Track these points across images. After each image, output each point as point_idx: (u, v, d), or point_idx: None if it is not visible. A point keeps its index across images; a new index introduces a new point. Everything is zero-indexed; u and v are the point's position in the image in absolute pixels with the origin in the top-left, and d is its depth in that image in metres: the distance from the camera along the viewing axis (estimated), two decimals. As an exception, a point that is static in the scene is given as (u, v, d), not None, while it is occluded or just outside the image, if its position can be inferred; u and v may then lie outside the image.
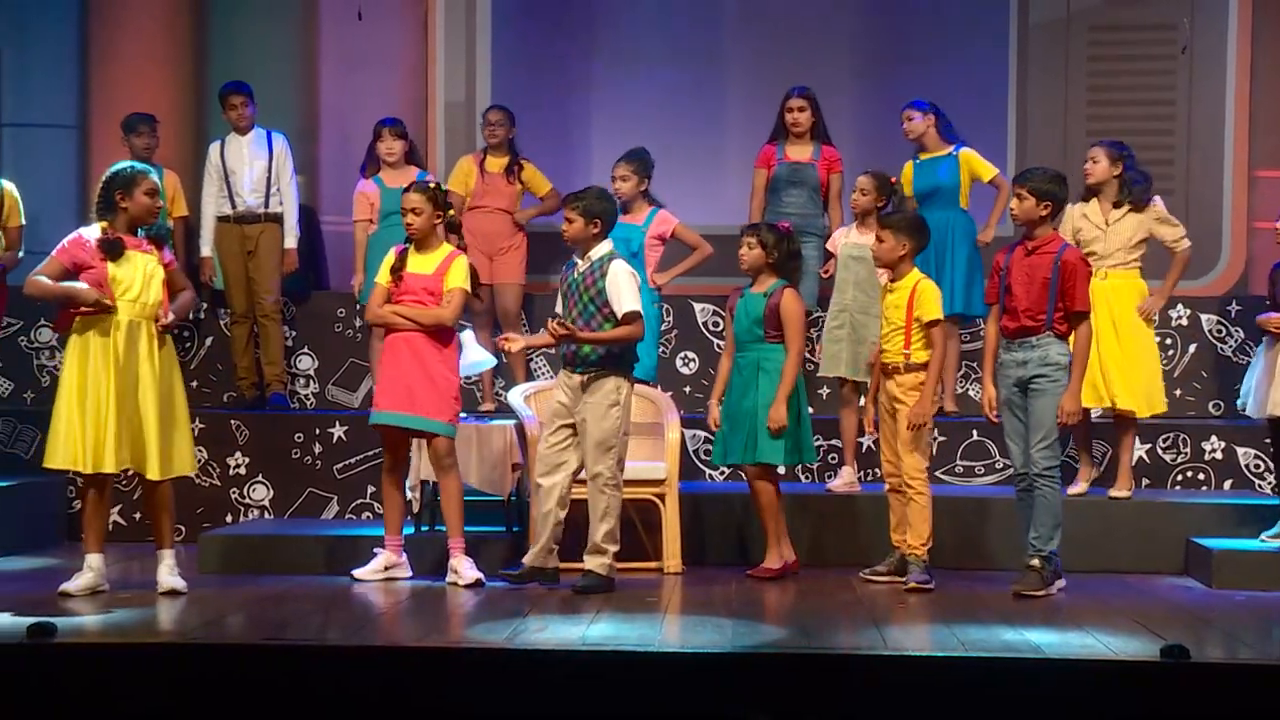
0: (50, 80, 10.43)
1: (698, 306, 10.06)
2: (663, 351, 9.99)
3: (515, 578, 7.74)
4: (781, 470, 8.23)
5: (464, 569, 7.78)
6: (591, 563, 7.70)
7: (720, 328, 9.99)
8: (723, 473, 9.28)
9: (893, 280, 7.95)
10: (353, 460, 9.26)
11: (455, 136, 10.47)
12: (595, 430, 7.65)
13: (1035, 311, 7.61)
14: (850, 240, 8.78)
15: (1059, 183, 7.75)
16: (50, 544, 9.00)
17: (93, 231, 7.48)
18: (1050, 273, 7.58)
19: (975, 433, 9.25)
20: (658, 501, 8.30)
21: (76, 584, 7.41)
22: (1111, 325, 8.61)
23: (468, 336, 8.51)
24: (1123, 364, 8.62)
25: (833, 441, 9.16)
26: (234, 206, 9.78)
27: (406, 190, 8.00)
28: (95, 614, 7.03)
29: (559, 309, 7.85)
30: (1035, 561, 7.63)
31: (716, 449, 8.18)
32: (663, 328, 9.63)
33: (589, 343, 7.68)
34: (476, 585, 7.71)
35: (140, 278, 7.41)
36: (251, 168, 9.78)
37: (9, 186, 8.97)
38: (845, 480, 8.81)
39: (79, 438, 7.34)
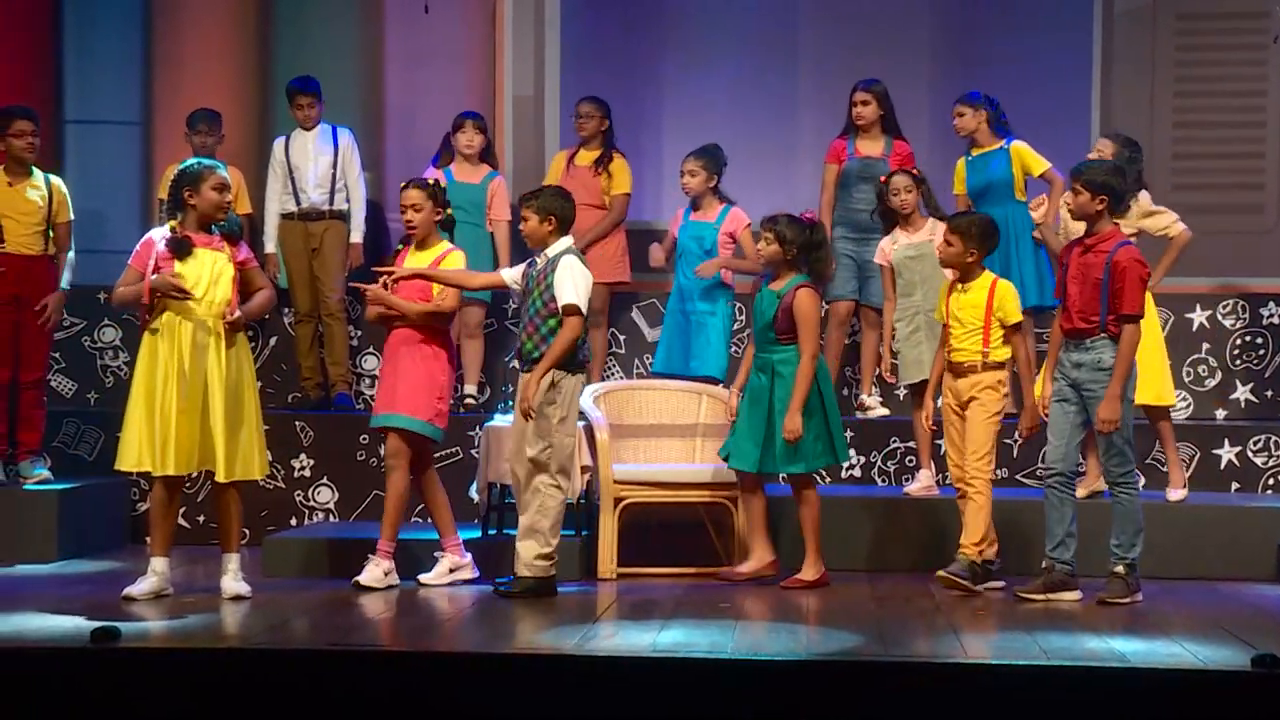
0: (114, 77, 10.50)
1: (771, 306, 9.99)
2: (734, 351, 9.96)
3: (509, 594, 7.65)
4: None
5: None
6: (519, 563, 7.61)
7: (737, 327, 9.96)
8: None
9: (963, 281, 7.88)
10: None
11: (523, 131, 10.46)
12: (531, 426, 7.62)
13: (1088, 312, 7.51)
14: (901, 244, 8.73)
15: (1117, 175, 7.63)
16: (114, 547, 9.07)
17: (161, 232, 7.53)
18: (1103, 272, 7.48)
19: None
20: (730, 505, 8.26)
21: (140, 588, 7.45)
22: None
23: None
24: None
25: (910, 444, 9.10)
26: (298, 203, 9.81)
27: (405, 187, 7.99)
28: (159, 619, 7.06)
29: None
30: (1120, 569, 7.55)
31: (726, 446, 8.07)
32: (735, 327, 9.60)
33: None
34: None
35: (207, 276, 7.44)
36: (316, 163, 9.81)
37: (58, 182, 9.04)
38: (923, 484, 8.74)
39: (147, 439, 7.39)
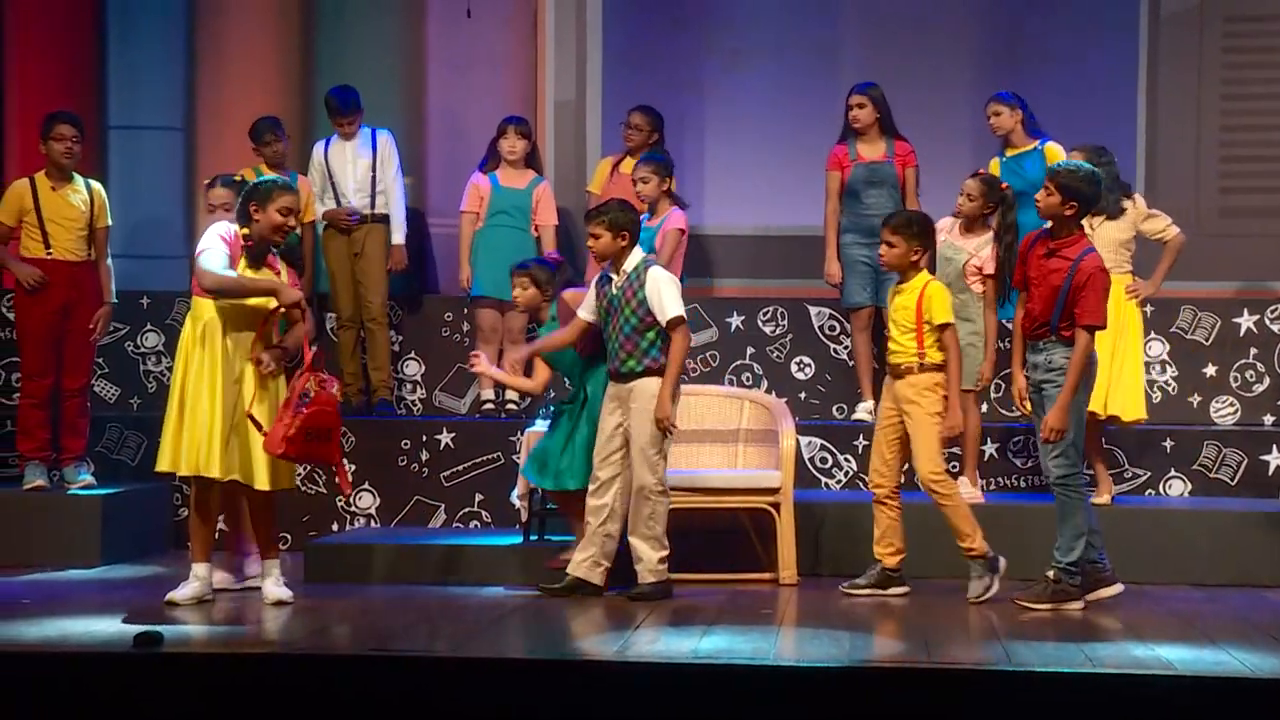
0: (156, 82, 10.56)
1: (814, 310, 10.00)
2: (777, 356, 9.96)
3: (557, 590, 7.72)
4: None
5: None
6: (641, 570, 7.68)
7: (836, 332, 9.93)
8: (839, 481, 9.22)
9: (901, 281, 7.85)
10: (461, 467, 9.30)
11: (564, 136, 10.48)
12: (639, 436, 7.63)
13: (1043, 315, 7.49)
14: (945, 240, 8.70)
15: (1090, 182, 7.52)
16: (156, 551, 9.11)
17: (224, 228, 7.52)
18: (1064, 280, 7.42)
19: (1103, 441, 9.12)
20: (772, 511, 8.26)
21: (182, 593, 7.48)
22: (1109, 332, 8.50)
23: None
24: (1111, 371, 8.52)
25: (953, 450, 9.08)
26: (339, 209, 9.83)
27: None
28: (201, 624, 7.09)
29: (584, 315, 7.84)
30: (1050, 573, 7.51)
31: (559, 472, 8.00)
32: (777, 332, 9.60)
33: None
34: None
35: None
36: (355, 167, 9.81)
37: (98, 187, 9.10)
38: (965, 491, 8.71)
39: (185, 443, 7.42)
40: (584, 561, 7.75)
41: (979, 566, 7.73)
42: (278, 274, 7.46)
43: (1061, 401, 7.42)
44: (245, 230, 7.44)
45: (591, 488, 7.75)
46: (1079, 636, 6.86)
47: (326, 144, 9.89)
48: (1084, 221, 8.47)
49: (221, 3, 10.58)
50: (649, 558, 7.68)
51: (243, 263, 7.40)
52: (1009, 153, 9.24)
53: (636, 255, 7.73)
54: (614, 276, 7.74)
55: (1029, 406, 7.68)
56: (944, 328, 7.76)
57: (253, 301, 7.39)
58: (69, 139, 8.87)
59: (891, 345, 7.89)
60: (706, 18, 10.60)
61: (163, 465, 7.49)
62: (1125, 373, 8.65)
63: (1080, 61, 10.20)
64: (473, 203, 9.82)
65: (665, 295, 7.63)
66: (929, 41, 10.37)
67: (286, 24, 10.62)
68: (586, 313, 7.84)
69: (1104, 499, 8.62)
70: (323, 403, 7.33)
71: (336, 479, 7.64)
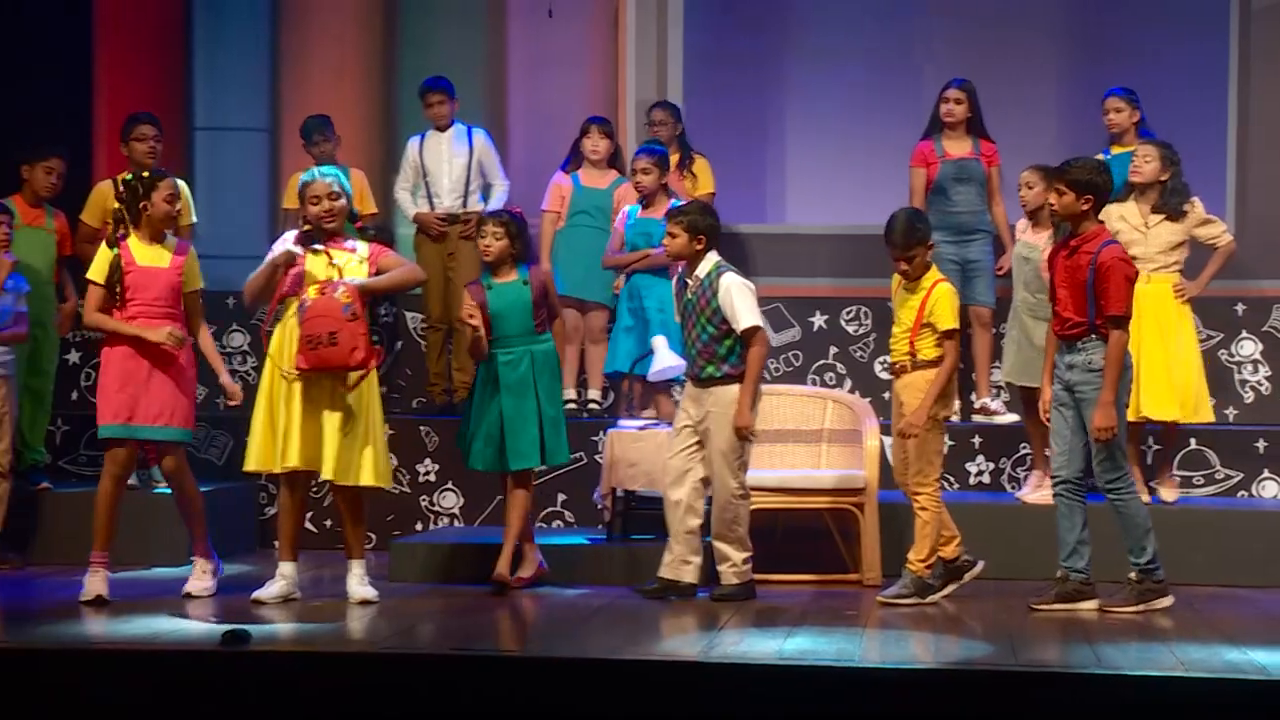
0: (242, 84, 10.65)
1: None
2: (860, 356, 9.93)
3: (649, 592, 7.71)
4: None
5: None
6: (725, 573, 7.66)
7: (862, 332, 9.89)
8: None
9: (911, 279, 7.76)
10: (543, 467, 9.31)
11: (645, 136, 10.47)
12: (719, 441, 7.60)
13: (1077, 315, 7.40)
14: (1019, 240, 8.64)
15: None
16: (244, 550, 9.18)
17: (292, 235, 7.65)
18: (1088, 274, 7.35)
19: (1193, 441, 9.05)
20: (856, 511, 8.23)
21: (269, 592, 7.54)
22: (1155, 331, 8.41)
23: (659, 342, 8.52)
24: (1165, 371, 8.41)
25: (1023, 448, 9.03)
26: (432, 207, 9.77)
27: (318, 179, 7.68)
28: (287, 622, 7.15)
29: (678, 319, 7.85)
30: (1132, 574, 7.46)
31: (485, 456, 7.97)
32: (860, 331, 9.57)
33: None
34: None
35: (324, 271, 7.51)
36: (450, 165, 9.78)
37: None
38: (1035, 486, 8.65)
39: (269, 441, 7.49)
40: (672, 562, 7.74)
41: (912, 580, 7.64)
42: (352, 253, 7.54)
43: (1105, 400, 7.33)
44: (307, 225, 7.58)
45: (668, 482, 7.73)
46: (1169, 639, 6.80)
47: (421, 139, 9.86)
48: (1141, 218, 8.44)
49: (306, 5, 10.65)
50: (733, 559, 7.66)
51: (309, 257, 7.52)
52: (1115, 150, 9.12)
53: (710, 260, 7.67)
54: (689, 281, 7.71)
55: (1048, 420, 7.61)
56: (948, 334, 7.65)
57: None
58: (150, 139, 8.95)
59: (891, 342, 7.84)
60: (788, 15, 10.57)
61: (247, 465, 7.60)
62: (1180, 374, 8.51)
63: (1166, 58, 10.07)
64: (554, 202, 9.82)
65: (739, 304, 7.58)
66: (1011, 38, 10.29)
67: (369, 25, 10.67)
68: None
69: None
70: (319, 309, 7.41)
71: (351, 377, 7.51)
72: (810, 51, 10.51)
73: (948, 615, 7.43)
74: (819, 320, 9.97)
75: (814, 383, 9.81)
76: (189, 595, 7.67)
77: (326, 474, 7.47)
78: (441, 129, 9.82)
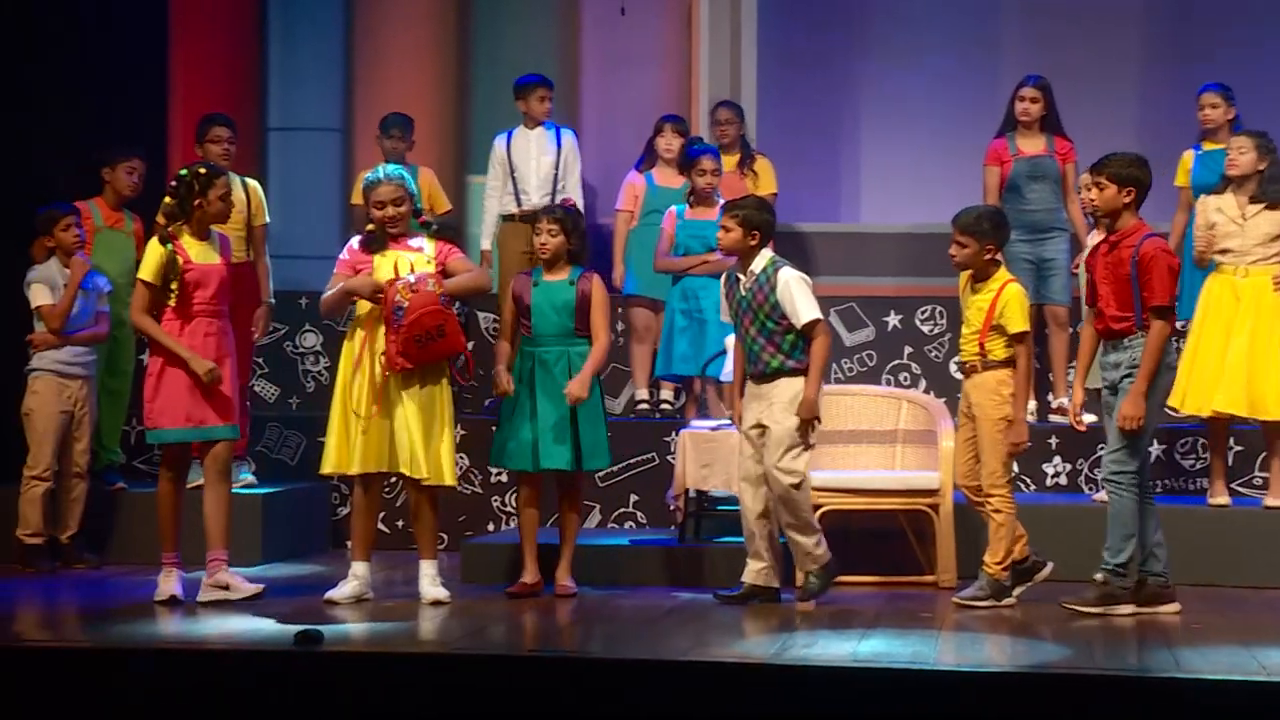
0: (315, 84, 10.71)
1: (971, 309, 9.88)
2: (935, 356, 9.86)
3: (733, 599, 7.67)
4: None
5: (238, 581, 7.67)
6: (802, 563, 7.59)
7: (937, 331, 9.83)
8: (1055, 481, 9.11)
9: (977, 280, 7.67)
10: (615, 468, 9.31)
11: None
12: (780, 433, 7.54)
13: (1122, 311, 7.31)
14: (1091, 243, 8.56)
15: (1140, 166, 7.39)
16: (316, 550, 9.23)
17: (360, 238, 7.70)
18: (1130, 268, 7.25)
19: (1234, 443, 8.93)
20: (930, 512, 8.18)
21: (342, 592, 7.57)
22: (1253, 325, 8.28)
23: (730, 341, 8.50)
24: (1261, 367, 8.29)
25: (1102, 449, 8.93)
26: (519, 205, 9.73)
27: (382, 182, 7.66)
28: (360, 622, 7.17)
29: (724, 318, 7.79)
30: (1098, 575, 7.35)
31: (524, 453, 7.80)
32: (935, 331, 9.50)
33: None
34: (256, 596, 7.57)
35: (392, 271, 7.52)
36: (539, 164, 9.77)
37: (254, 185, 9.22)
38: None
39: (344, 443, 7.52)
40: (754, 568, 7.67)
41: (989, 582, 7.57)
42: (419, 252, 7.54)
43: (1137, 389, 7.24)
44: (372, 225, 7.56)
45: (743, 488, 7.70)
46: (1250, 642, 6.71)
47: (509, 137, 9.85)
48: (1238, 210, 8.32)
49: (379, 5, 10.70)
50: (804, 543, 7.57)
51: (376, 261, 7.52)
52: (1207, 146, 9.01)
53: (765, 256, 7.60)
54: (741, 277, 7.65)
55: (1084, 423, 7.56)
56: (1019, 337, 7.57)
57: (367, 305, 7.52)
58: (225, 140, 9.00)
59: (960, 342, 7.78)
60: (863, 13, 10.53)
61: (324, 467, 7.63)
62: (1271, 368, 8.40)
63: (1256, 52, 9.94)
64: (628, 201, 9.82)
65: (799, 298, 7.51)
66: (1092, 33, 10.20)
67: (443, 24, 10.71)
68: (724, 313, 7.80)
69: (1222, 499, 8.46)
70: (420, 306, 7.39)
71: (462, 368, 7.57)
72: (886, 49, 10.48)
73: (1024, 618, 7.36)
74: (893, 320, 9.92)
75: (888, 383, 9.76)
76: (438, 603, 7.51)
77: (412, 472, 7.48)
78: (534, 126, 9.80)
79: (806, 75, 10.45)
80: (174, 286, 7.48)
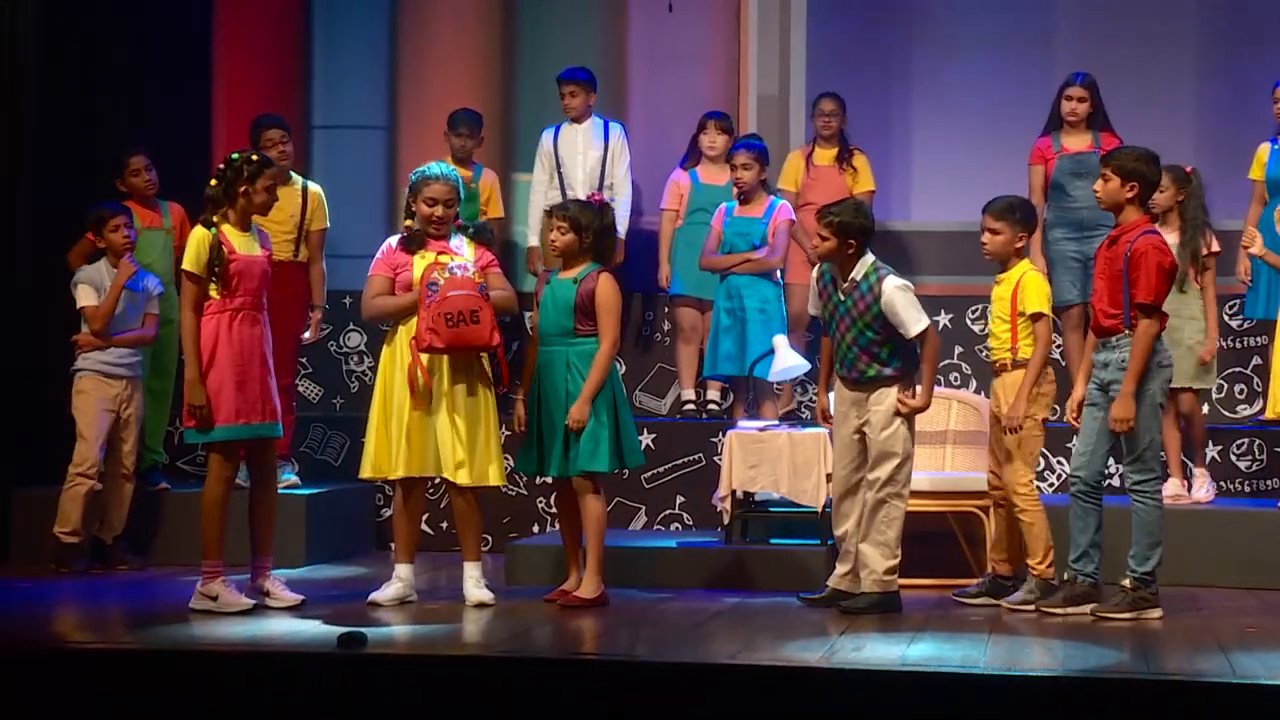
0: (360, 81, 10.74)
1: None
2: (985, 355, 9.80)
3: (816, 601, 7.67)
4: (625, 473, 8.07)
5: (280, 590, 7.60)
6: (865, 579, 7.56)
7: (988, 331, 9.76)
8: (1050, 484, 9.05)
9: (1002, 271, 7.69)
10: (661, 469, 9.31)
11: (768, 132, 10.41)
12: (880, 440, 7.52)
13: (1112, 308, 7.27)
14: None
15: (1147, 162, 7.35)
16: (360, 552, 9.27)
17: (383, 247, 7.73)
18: (1123, 264, 7.22)
19: (1260, 444, 8.87)
20: (981, 514, 8.15)
21: (385, 594, 7.60)
22: None
23: (780, 340, 8.49)
24: None
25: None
26: (564, 199, 9.76)
27: (438, 179, 7.64)
28: (403, 625, 7.20)
29: (812, 310, 7.75)
30: (1126, 582, 7.33)
31: (530, 459, 7.72)
32: (985, 331, 9.42)
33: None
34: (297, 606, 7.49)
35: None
36: (586, 158, 9.77)
37: (315, 189, 9.25)
38: (1171, 492, 8.52)
39: (384, 446, 7.55)
40: (842, 574, 7.65)
41: (1036, 584, 7.57)
42: (456, 255, 7.55)
43: (1125, 390, 7.22)
44: (409, 222, 7.61)
45: (837, 494, 7.67)
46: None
47: (555, 131, 9.85)
48: None
49: (424, 2, 10.73)
50: (875, 565, 7.52)
51: (414, 261, 7.54)
52: None
53: (866, 263, 7.52)
54: (840, 280, 7.59)
55: (1075, 422, 7.51)
56: (1036, 318, 7.60)
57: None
58: (279, 143, 9.02)
59: (990, 340, 7.76)
60: (914, 9, 10.48)
61: (363, 472, 7.65)
62: None
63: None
64: (673, 200, 9.82)
65: (905, 310, 7.43)
66: (1148, 30, 10.12)
67: (488, 22, 10.72)
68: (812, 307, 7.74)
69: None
70: (456, 285, 7.38)
71: (499, 368, 7.53)
72: (938, 45, 10.42)
73: (1076, 621, 7.32)
74: (943, 319, 9.89)
75: (938, 383, 9.70)
76: (482, 605, 7.53)
77: (452, 476, 7.51)
78: (576, 120, 9.81)
79: (857, 71, 10.39)
80: (218, 271, 7.36)
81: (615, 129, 9.85)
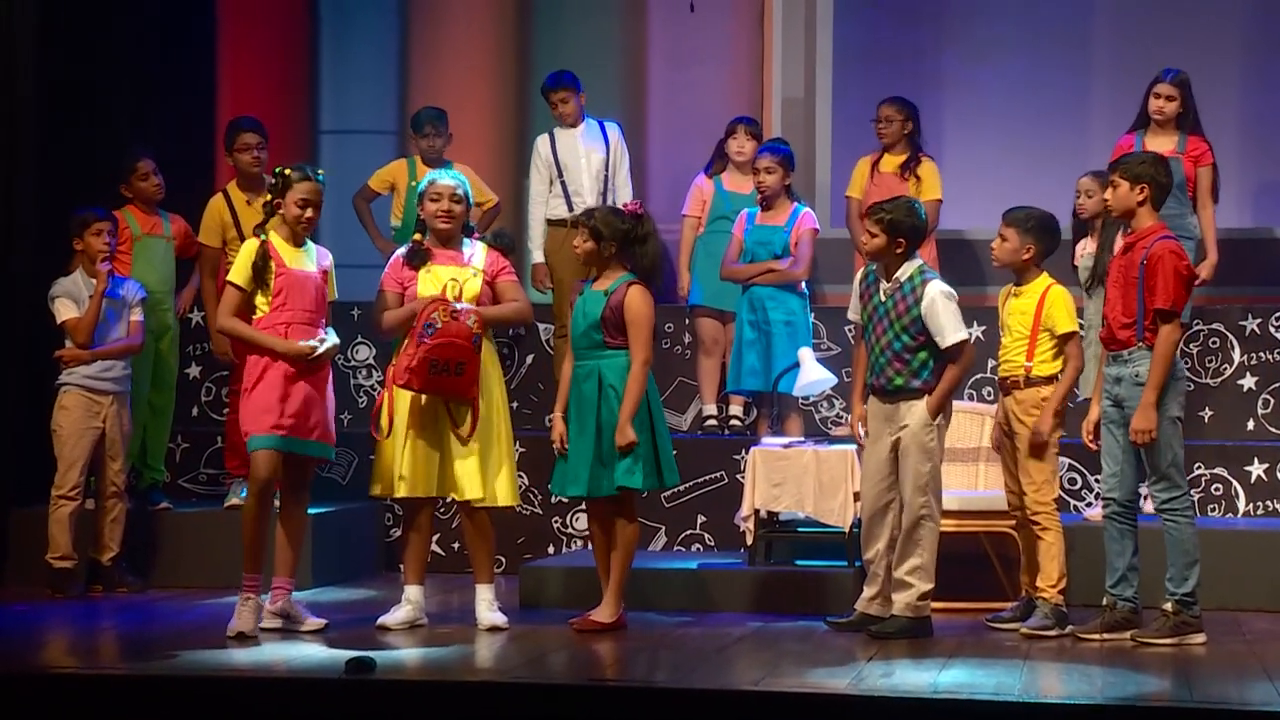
0: (369, 85, 10.77)
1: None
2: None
3: (844, 625, 7.66)
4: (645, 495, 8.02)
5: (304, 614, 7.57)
6: (898, 602, 7.54)
7: (1087, 343, 9.74)
8: (1088, 503, 9.02)
9: (1018, 283, 7.68)
10: (682, 488, 9.30)
11: (793, 135, 10.42)
12: (912, 459, 7.50)
13: (1126, 317, 7.25)
14: (1080, 251, 8.50)
15: (1155, 164, 7.34)
16: (368, 573, 9.27)
17: (405, 248, 7.75)
18: (1139, 271, 7.19)
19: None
20: (1014, 535, 8.13)
21: (395, 617, 7.60)
22: None
23: (805, 353, 8.49)
24: None
25: (1217, 470, 8.88)
26: (570, 208, 9.59)
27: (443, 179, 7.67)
28: (413, 649, 7.20)
29: (852, 315, 7.72)
30: (1168, 606, 7.31)
31: (561, 478, 7.67)
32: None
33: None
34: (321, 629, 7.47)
35: (450, 292, 7.55)
36: (588, 161, 9.72)
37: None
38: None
39: (391, 464, 7.56)
40: (870, 596, 7.65)
41: (1051, 610, 7.56)
42: (465, 265, 7.58)
43: (1146, 400, 7.19)
44: (418, 235, 7.61)
45: (867, 514, 7.66)
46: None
47: (551, 137, 9.79)
48: None
49: (435, 4, 10.75)
50: (911, 589, 7.50)
51: (420, 278, 7.57)
52: None
53: (912, 265, 7.51)
54: (883, 281, 7.58)
55: (1096, 444, 7.49)
56: (1067, 337, 7.59)
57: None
58: (254, 147, 8.97)
59: (1001, 354, 7.74)
60: (944, 8, 10.49)
61: (373, 490, 7.68)
62: None
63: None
64: (695, 206, 9.81)
65: (945, 318, 7.42)
66: (1189, 29, 10.11)
67: (502, 23, 10.75)
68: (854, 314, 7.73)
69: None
70: (451, 334, 7.38)
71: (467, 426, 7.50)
72: (969, 45, 10.42)
73: (1117, 645, 7.30)
74: (976, 331, 9.85)
75: (971, 398, 9.71)
76: (495, 629, 7.54)
77: (463, 496, 7.52)
78: (569, 125, 9.80)
79: (885, 73, 10.40)
80: (269, 281, 7.37)
81: (613, 128, 9.83)
